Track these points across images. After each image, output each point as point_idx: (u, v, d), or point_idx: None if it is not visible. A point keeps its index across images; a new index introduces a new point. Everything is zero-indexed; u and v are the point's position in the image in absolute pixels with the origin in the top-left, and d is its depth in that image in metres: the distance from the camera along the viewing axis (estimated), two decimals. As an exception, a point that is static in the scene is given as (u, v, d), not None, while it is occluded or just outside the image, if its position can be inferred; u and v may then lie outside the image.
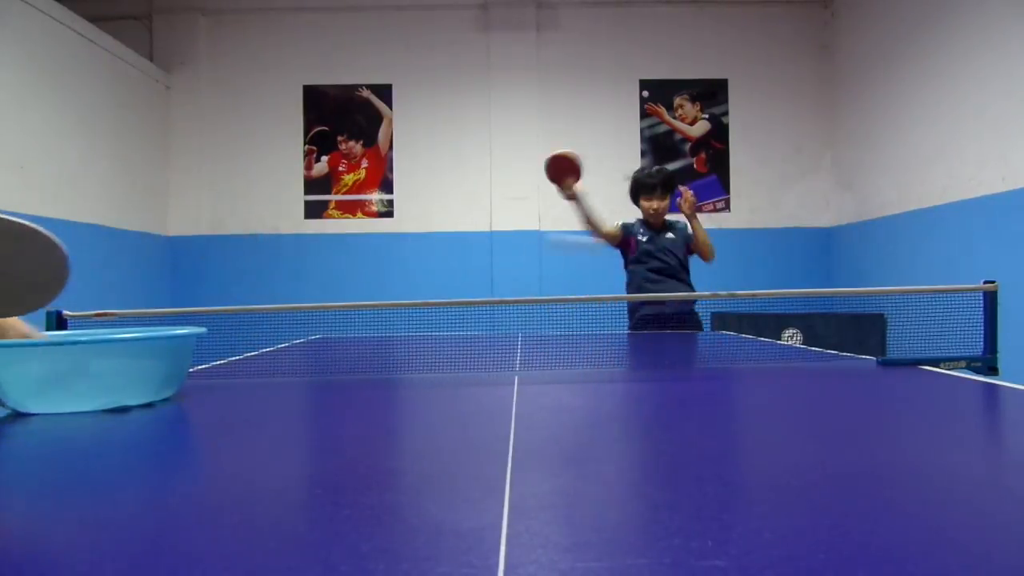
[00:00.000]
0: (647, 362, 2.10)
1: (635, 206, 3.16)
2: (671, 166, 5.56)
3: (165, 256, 5.40)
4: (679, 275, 3.11)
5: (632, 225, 3.21)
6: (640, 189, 3.10)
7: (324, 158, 5.61)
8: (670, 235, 3.12)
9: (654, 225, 3.14)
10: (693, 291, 3.15)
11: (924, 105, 4.32)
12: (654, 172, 3.11)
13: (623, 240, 3.19)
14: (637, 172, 3.19)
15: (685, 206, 2.98)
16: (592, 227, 3.07)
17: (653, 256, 3.09)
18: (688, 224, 3.07)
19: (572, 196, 2.92)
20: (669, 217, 3.18)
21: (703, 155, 5.62)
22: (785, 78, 5.61)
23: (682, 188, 3.04)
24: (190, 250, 5.48)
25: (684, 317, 3.09)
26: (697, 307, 3.45)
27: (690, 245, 3.10)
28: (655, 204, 3.05)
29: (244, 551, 0.51)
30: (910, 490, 0.66)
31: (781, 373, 1.60)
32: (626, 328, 3.19)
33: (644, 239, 3.13)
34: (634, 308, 3.20)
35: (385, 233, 5.58)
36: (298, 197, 5.60)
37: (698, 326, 3.17)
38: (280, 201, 5.59)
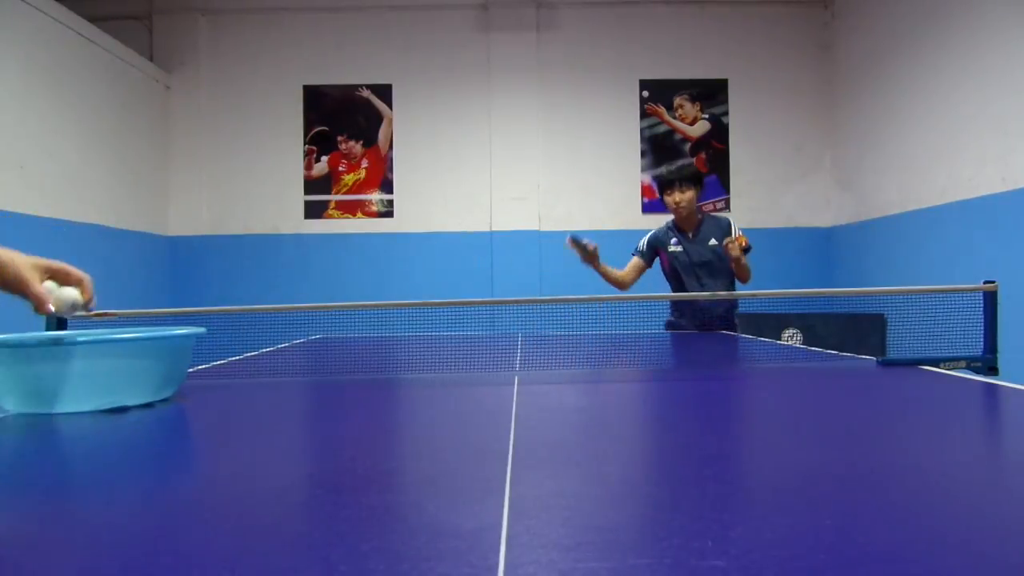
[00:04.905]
0: (647, 362, 2.10)
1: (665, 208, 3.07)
2: (671, 166, 5.58)
3: (165, 256, 5.39)
4: (724, 282, 2.97)
5: (658, 237, 3.08)
6: (663, 187, 3.04)
7: (324, 158, 5.61)
8: (712, 241, 2.97)
9: (685, 226, 3.02)
10: (735, 303, 3.06)
11: (924, 105, 4.32)
12: (674, 168, 3.10)
13: (650, 260, 3.09)
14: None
15: (733, 249, 2.73)
16: (610, 279, 2.99)
17: (693, 264, 2.98)
18: (731, 223, 2.98)
19: (591, 258, 2.84)
20: (715, 213, 3.10)
21: (703, 155, 5.62)
22: (785, 78, 5.61)
23: (738, 232, 2.86)
24: (190, 250, 5.48)
25: (724, 323, 3.01)
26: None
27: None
28: (676, 197, 2.96)
29: (244, 551, 0.51)
30: (910, 490, 0.66)
31: (781, 373, 1.60)
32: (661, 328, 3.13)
33: (678, 249, 3.01)
34: (672, 321, 3.11)
35: (385, 233, 5.58)
36: (298, 197, 5.60)
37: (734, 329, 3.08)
38: (280, 201, 5.59)
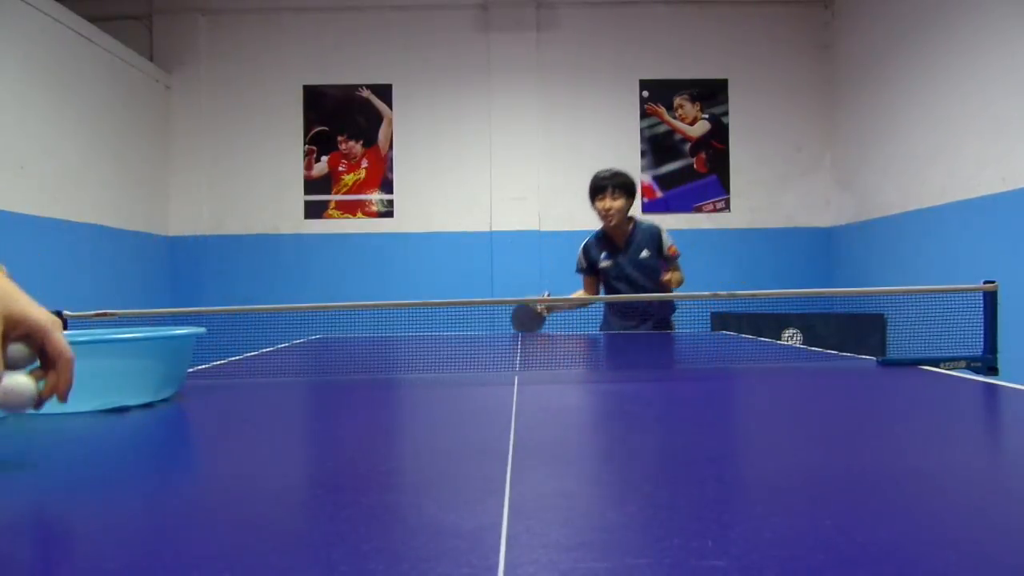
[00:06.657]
0: (647, 362, 2.09)
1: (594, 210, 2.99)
2: (671, 166, 5.58)
3: (165, 256, 5.39)
4: (655, 291, 2.94)
5: (588, 251, 3.00)
6: (594, 191, 2.94)
7: (324, 158, 5.61)
8: (644, 252, 2.92)
9: (616, 236, 2.97)
10: (671, 306, 3.06)
11: (924, 105, 4.32)
12: (607, 172, 2.95)
13: (594, 271, 3.02)
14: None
15: (671, 284, 2.87)
16: (580, 305, 3.00)
17: (621, 280, 2.93)
18: (661, 231, 2.96)
19: (544, 312, 2.88)
20: (644, 219, 3.03)
21: (703, 155, 5.62)
22: (785, 78, 5.60)
23: (669, 242, 2.94)
24: (190, 250, 5.48)
25: (662, 324, 3.03)
26: (690, 308, 3.40)
27: (664, 263, 2.94)
28: (607, 203, 2.89)
29: (244, 551, 0.51)
30: (910, 490, 0.66)
31: (781, 373, 1.60)
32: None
33: (608, 263, 2.96)
34: (606, 322, 3.10)
35: (385, 233, 5.58)
36: (298, 197, 5.60)
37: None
38: (280, 201, 5.59)
